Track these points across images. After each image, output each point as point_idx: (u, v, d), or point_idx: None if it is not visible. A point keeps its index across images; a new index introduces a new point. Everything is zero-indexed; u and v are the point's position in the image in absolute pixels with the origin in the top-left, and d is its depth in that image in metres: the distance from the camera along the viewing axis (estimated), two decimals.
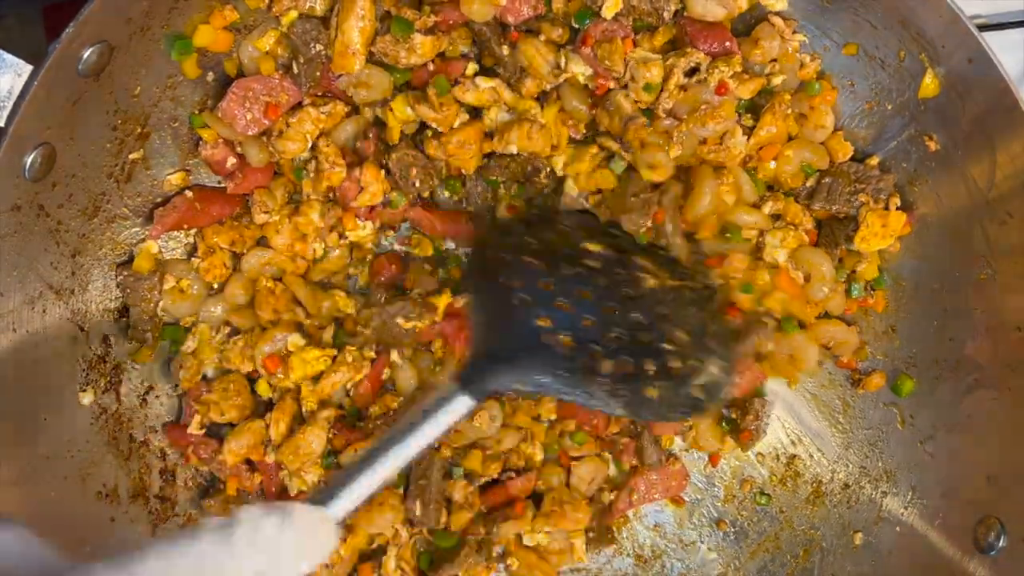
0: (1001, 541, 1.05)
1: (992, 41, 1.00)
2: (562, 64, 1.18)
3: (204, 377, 1.23)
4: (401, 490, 1.25)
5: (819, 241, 1.21)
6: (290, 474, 1.21)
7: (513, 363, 0.99)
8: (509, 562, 1.28)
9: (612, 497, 1.31)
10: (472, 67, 1.19)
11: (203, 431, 1.21)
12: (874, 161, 1.20)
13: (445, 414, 0.91)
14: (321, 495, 0.84)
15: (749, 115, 1.20)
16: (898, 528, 1.21)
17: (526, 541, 1.26)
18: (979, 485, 1.11)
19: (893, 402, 1.23)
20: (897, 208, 1.17)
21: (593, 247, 1.09)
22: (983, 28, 1.19)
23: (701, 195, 1.17)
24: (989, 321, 1.11)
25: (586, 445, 1.28)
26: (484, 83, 1.17)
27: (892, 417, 1.24)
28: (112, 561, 0.73)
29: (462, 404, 0.92)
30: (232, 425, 1.23)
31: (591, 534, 1.30)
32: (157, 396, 1.22)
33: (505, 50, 1.18)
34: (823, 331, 1.23)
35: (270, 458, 1.21)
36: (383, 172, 1.20)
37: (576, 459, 1.29)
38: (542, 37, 1.18)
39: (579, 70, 1.18)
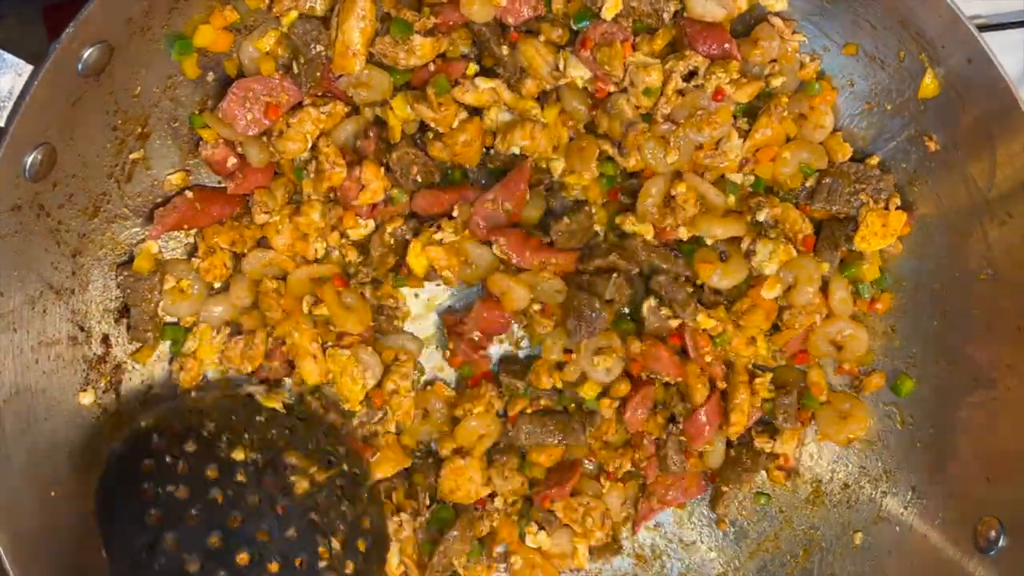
0: (1001, 541, 1.05)
1: (992, 41, 1.00)
2: (561, 66, 1.18)
3: (205, 377, 1.24)
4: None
5: (819, 242, 1.21)
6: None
7: None
8: (512, 560, 1.27)
9: (631, 511, 1.32)
10: (472, 67, 1.19)
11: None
12: (874, 161, 1.20)
13: None
14: None
15: (745, 119, 1.20)
16: (898, 528, 1.21)
17: (528, 542, 1.26)
18: (979, 485, 1.11)
19: (893, 402, 1.23)
20: (897, 208, 1.17)
21: (240, 455, 1.05)
22: (983, 28, 1.19)
23: (646, 195, 1.20)
24: (989, 321, 1.11)
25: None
26: (484, 84, 1.18)
27: (892, 417, 1.24)
28: None
29: None
30: None
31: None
32: (157, 396, 1.22)
33: (505, 51, 1.18)
34: (833, 327, 1.22)
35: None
36: (383, 170, 1.20)
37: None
38: (542, 38, 1.18)
39: (578, 74, 1.18)
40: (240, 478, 1.03)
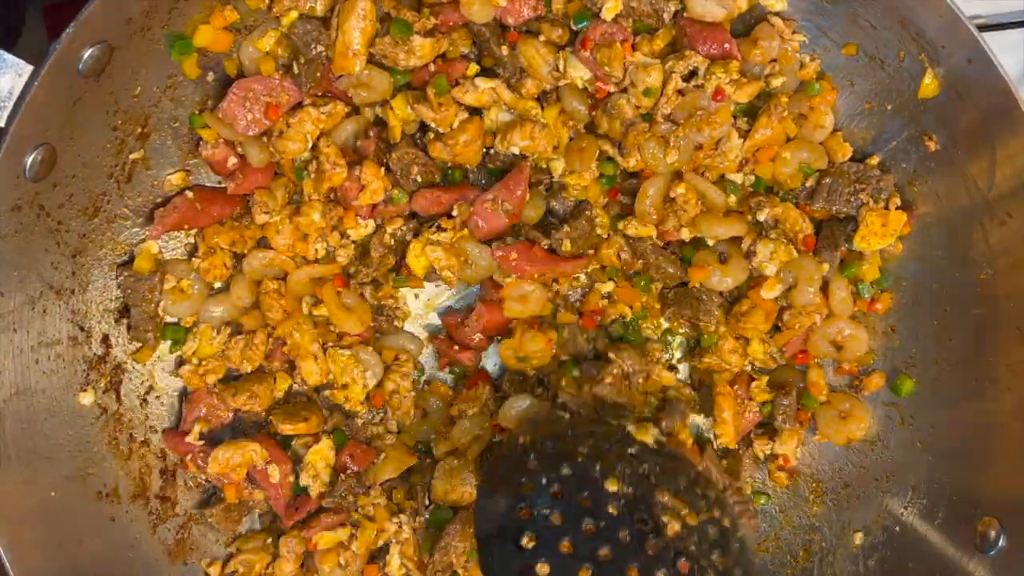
0: (1001, 541, 1.05)
1: (992, 41, 1.00)
2: (561, 67, 1.18)
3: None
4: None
5: (819, 242, 1.21)
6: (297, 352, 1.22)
7: None
8: None
9: None
10: (473, 68, 1.19)
11: (202, 440, 1.20)
12: (874, 161, 1.20)
13: None
14: None
15: (745, 119, 1.20)
16: (898, 528, 1.21)
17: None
18: (979, 485, 1.11)
19: (893, 402, 1.23)
20: (897, 208, 1.18)
21: (613, 486, 1.00)
22: (983, 28, 1.19)
23: (644, 196, 1.20)
24: (989, 321, 1.11)
25: None
26: (484, 84, 1.18)
27: (892, 417, 1.24)
28: None
29: None
30: (232, 433, 1.23)
31: None
32: (157, 396, 1.22)
33: (505, 51, 1.18)
34: (833, 327, 1.23)
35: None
36: (383, 170, 1.20)
37: None
38: (542, 38, 1.18)
39: (578, 74, 1.18)
40: (611, 510, 0.99)
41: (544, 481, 1.00)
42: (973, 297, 1.13)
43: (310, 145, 1.20)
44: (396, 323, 1.28)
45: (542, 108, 1.21)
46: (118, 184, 1.13)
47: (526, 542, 0.96)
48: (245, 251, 1.23)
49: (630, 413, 1.15)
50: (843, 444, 1.26)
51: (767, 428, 1.28)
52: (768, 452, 1.27)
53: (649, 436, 1.08)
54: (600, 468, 1.01)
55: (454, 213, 1.22)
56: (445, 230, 1.22)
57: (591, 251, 1.24)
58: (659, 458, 1.06)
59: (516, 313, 1.23)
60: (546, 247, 1.23)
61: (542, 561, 0.95)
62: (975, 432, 1.13)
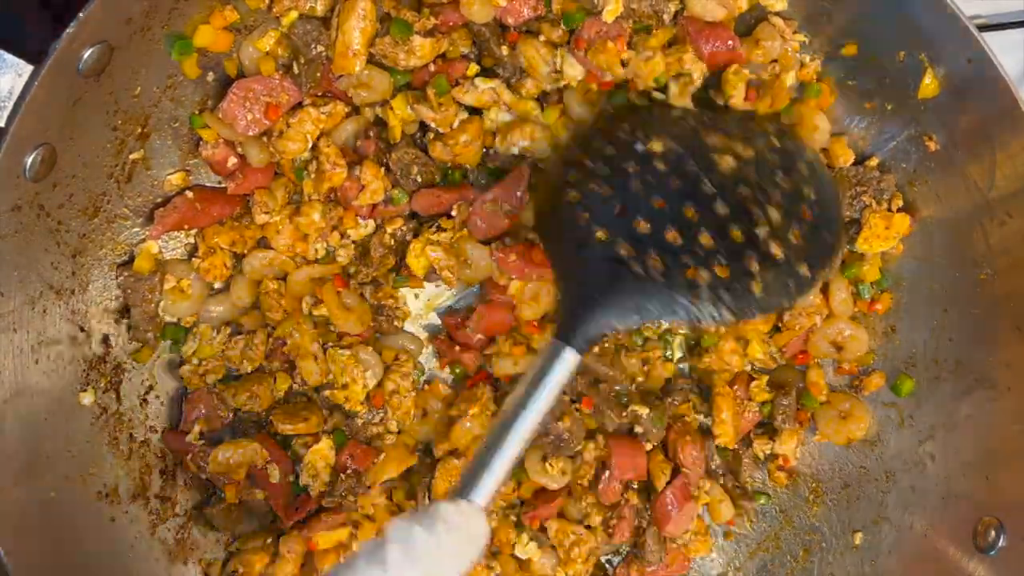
0: (1001, 541, 1.05)
1: (992, 41, 1.00)
2: (558, 64, 1.18)
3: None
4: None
5: None
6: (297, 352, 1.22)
7: (608, 303, 0.94)
8: (493, 564, 1.27)
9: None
10: (473, 68, 1.19)
11: (202, 440, 1.20)
12: (873, 162, 1.20)
13: (555, 374, 0.88)
14: (462, 488, 0.83)
15: None
16: (898, 528, 1.21)
17: (517, 551, 1.25)
18: (979, 485, 1.11)
19: (893, 402, 1.23)
20: (900, 209, 1.18)
21: (656, 146, 1.01)
22: (983, 28, 1.19)
23: None
24: (989, 321, 1.11)
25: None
26: (484, 84, 1.18)
27: (892, 417, 1.24)
28: None
29: (568, 359, 0.90)
30: (232, 434, 1.23)
31: None
32: (157, 396, 1.22)
33: (505, 51, 1.18)
34: (833, 328, 1.22)
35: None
36: (383, 170, 1.20)
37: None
38: (542, 38, 1.18)
39: (573, 73, 1.18)
40: (660, 166, 1.00)
41: (589, 163, 1.02)
42: (973, 297, 1.13)
43: (310, 145, 1.20)
44: (396, 323, 1.28)
45: (542, 109, 1.21)
46: (118, 184, 1.13)
47: (580, 220, 0.98)
48: (245, 251, 1.23)
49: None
50: (843, 444, 1.26)
51: (767, 428, 1.28)
52: (768, 452, 1.27)
53: (687, 99, 1.09)
54: (643, 135, 1.02)
55: (453, 213, 1.22)
56: (445, 230, 1.22)
57: None
58: (706, 114, 1.08)
59: (532, 314, 1.23)
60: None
61: (598, 227, 0.97)
62: (975, 432, 1.13)
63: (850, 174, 1.19)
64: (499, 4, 1.15)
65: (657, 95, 1.12)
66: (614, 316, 0.95)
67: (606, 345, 1.22)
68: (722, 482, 1.29)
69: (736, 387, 1.26)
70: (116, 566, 1.13)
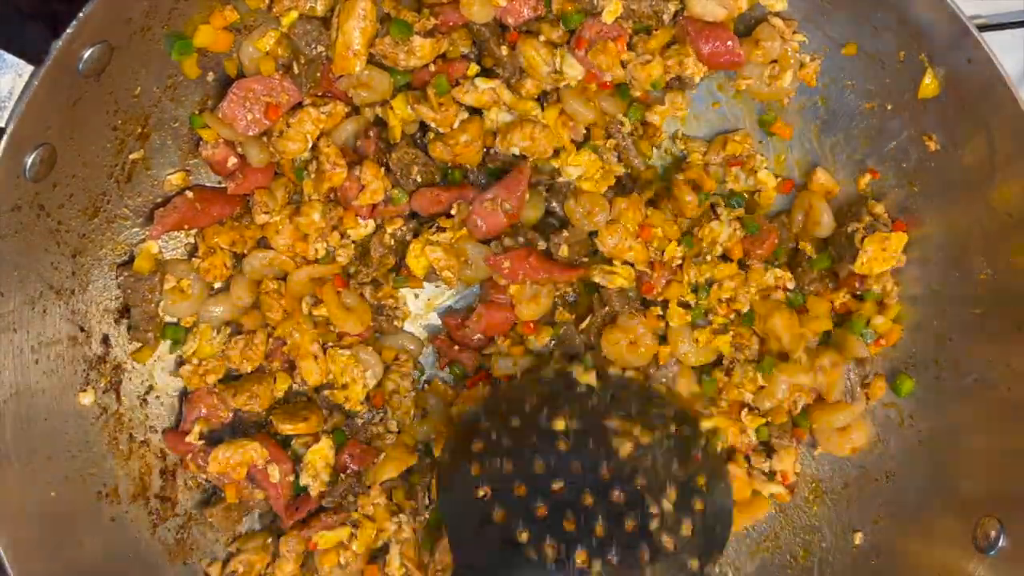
0: (1001, 541, 1.05)
1: (992, 41, 1.00)
2: (557, 64, 1.18)
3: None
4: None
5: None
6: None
7: None
8: None
9: None
10: (474, 68, 1.19)
11: (202, 440, 1.20)
12: (864, 183, 1.21)
13: None
14: None
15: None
16: (898, 528, 1.21)
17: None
18: (979, 485, 1.11)
19: (893, 402, 1.23)
20: (896, 221, 1.18)
21: (559, 425, 1.06)
22: (983, 28, 1.19)
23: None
24: (989, 321, 1.11)
25: None
26: (484, 84, 1.18)
27: (892, 417, 1.24)
28: None
29: None
30: (232, 433, 1.23)
31: None
32: (157, 396, 1.22)
33: (504, 51, 1.18)
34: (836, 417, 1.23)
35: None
36: (383, 170, 1.20)
37: None
38: (542, 38, 1.18)
39: (573, 73, 1.18)
40: (561, 447, 1.04)
41: (494, 437, 1.05)
42: (973, 297, 1.13)
43: (310, 145, 1.19)
44: (396, 323, 1.28)
45: (542, 109, 1.21)
46: (118, 184, 1.13)
47: (480, 494, 1.02)
48: (245, 251, 1.23)
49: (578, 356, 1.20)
50: (846, 455, 1.26)
51: (765, 445, 1.28)
52: (767, 469, 1.27)
53: (591, 377, 1.13)
54: (547, 412, 1.06)
55: (453, 212, 1.22)
56: (445, 230, 1.22)
57: (586, 259, 1.23)
58: (608, 390, 1.12)
59: (531, 315, 1.23)
60: (543, 249, 1.23)
61: (498, 509, 1.01)
62: (975, 432, 1.13)
63: (843, 206, 1.21)
64: (499, 4, 1.15)
65: (572, 368, 1.16)
66: None
67: None
68: None
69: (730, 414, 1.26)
70: (116, 566, 1.13)
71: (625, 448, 1.04)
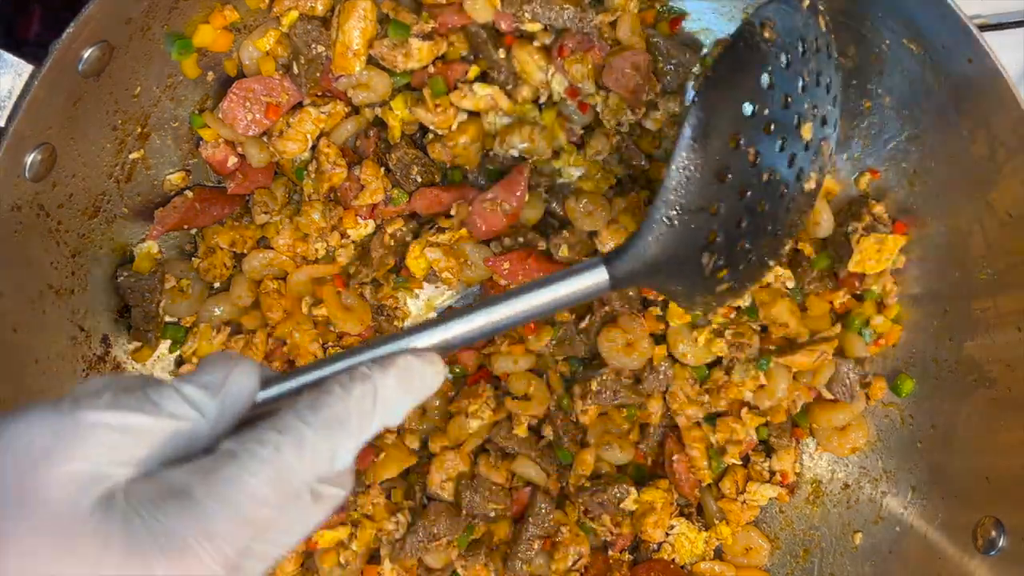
0: (1001, 541, 1.05)
1: (992, 41, 1.00)
2: (549, 75, 1.18)
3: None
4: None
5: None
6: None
7: (663, 275, 0.89)
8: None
9: None
10: (475, 70, 1.19)
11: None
12: (864, 183, 1.21)
13: (580, 279, 0.83)
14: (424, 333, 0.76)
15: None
16: (898, 528, 1.21)
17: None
18: (979, 485, 1.11)
19: (893, 402, 1.23)
20: (894, 221, 1.18)
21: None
22: (983, 28, 1.19)
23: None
24: (989, 321, 1.11)
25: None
26: (482, 90, 1.18)
27: (892, 417, 1.24)
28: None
29: (599, 280, 0.84)
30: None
31: None
32: None
33: (501, 54, 1.18)
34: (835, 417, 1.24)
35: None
36: (383, 170, 1.20)
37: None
38: (536, 43, 1.18)
39: (558, 89, 1.19)
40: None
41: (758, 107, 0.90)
42: (973, 297, 1.13)
43: (310, 145, 1.20)
44: (396, 323, 1.28)
45: (540, 111, 1.22)
46: (118, 184, 1.13)
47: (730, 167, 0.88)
48: (245, 251, 1.23)
49: None
50: (847, 455, 1.26)
51: (764, 445, 1.28)
52: (767, 469, 1.27)
53: None
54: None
55: (452, 213, 1.22)
56: (444, 230, 1.22)
57: (586, 259, 1.23)
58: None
59: None
60: (543, 249, 1.23)
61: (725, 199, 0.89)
62: (975, 432, 1.13)
63: (843, 205, 1.21)
64: (496, 4, 1.15)
65: None
66: (655, 285, 0.92)
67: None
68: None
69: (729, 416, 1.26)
70: None
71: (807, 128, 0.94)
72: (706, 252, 0.91)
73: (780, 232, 0.97)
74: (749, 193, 0.90)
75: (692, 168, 0.87)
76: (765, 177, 0.92)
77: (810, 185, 0.97)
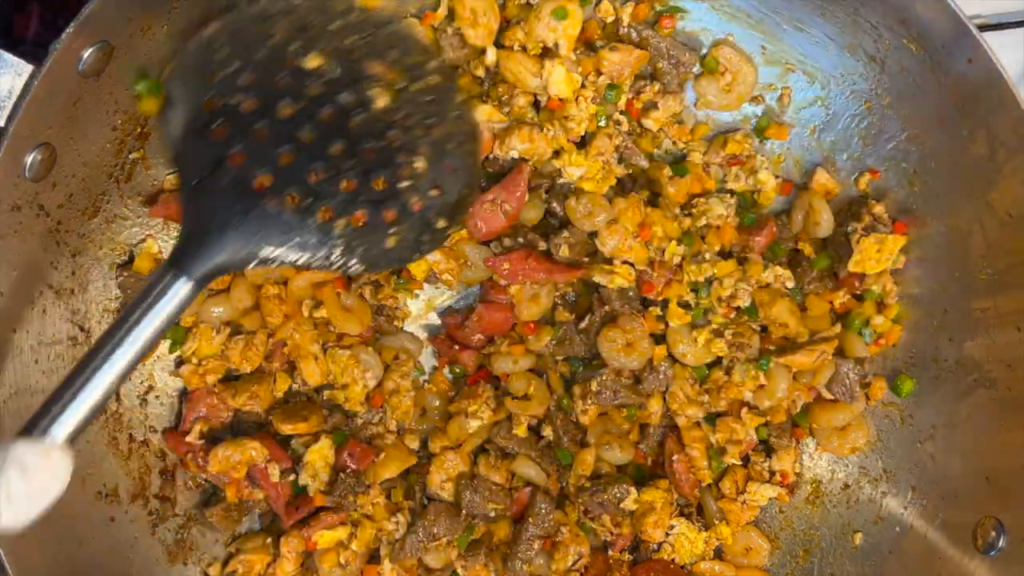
0: (1001, 541, 1.05)
1: (992, 41, 1.00)
2: (545, 77, 1.18)
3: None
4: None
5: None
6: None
7: (233, 235, 0.86)
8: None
9: None
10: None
11: (202, 440, 1.20)
12: (864, 183, 1.21)
13: (162, 304, 0.80)
14: (38, 424, 0.77)
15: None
16: (898, 528, 1.21)
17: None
18: (979, 485, 1.11)
19: (893, 402, 1.23)
20: (894, 221, 1.18)
21: (314, 62, 0.91)
22: (983, 28, 1.19)
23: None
24: (989, 321, 1.11)
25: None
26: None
27: (892, 417, 1.24)
28: None
29: (179, 289, 0.81)
30: (232, 433, 1.23)
31: None
32: (157, 396, 1.22)
33: (481, 72, 1.19)
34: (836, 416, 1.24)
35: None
36: None
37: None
38: (516, 47, 1.19)
39: (555, 91, 1.19)
40: (313, 91, 0.91)
41: (234, 68, 0.90)
42: (973, 297, 1.13)
43: None
44: (396, 323, 1.28)
45: (537, 112, 1.22)
46: (118, 184, 1.13)
47: (214, 134, 0.88)
48: None
49: None
50: (847, 455, 1.26)
51: (764, 445, 1.28)
52: (767, 469, 1.27)
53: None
54: (301, 46, 0.92)
55: None
56: None
57: (586, 259, 1.23)
58: (371, 29, 0.96)
59: (531, 315, 1.23)
60: (543, 249, 1.23)
61: (236, 149, 0.88)
62: (975, 432, 1.13)
63: (843, 205, 1.22)
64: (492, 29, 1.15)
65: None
66: (239, 253, 0.87)
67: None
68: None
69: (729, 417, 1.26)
70: (116, 566, 1.13)
71: (383, 99, 0.93)
72: (270, 198, 0.87)
73: (372, 150, 0.92)
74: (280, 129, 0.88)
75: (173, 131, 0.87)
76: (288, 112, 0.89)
77: (380, 102, 0.92)
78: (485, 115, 1.18)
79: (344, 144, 0.91)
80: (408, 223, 0.93)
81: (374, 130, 0.92)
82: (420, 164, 0.93)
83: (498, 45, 1.19)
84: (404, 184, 0.92)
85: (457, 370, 1.28)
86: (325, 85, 0.91)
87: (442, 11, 1.17)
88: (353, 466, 1.22)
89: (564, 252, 1.21)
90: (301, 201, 0.88)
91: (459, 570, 1.24)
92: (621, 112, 1.23)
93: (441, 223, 0.96)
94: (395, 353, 1.27)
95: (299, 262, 0.89)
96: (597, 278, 1.21)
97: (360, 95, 0.92)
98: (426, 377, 1.31)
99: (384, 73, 0.94)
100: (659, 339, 1.25)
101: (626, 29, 1.20)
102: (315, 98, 0.91)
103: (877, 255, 1.17)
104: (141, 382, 1.21)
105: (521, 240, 1.23)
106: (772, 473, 1.27)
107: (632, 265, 1.21)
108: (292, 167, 0.89)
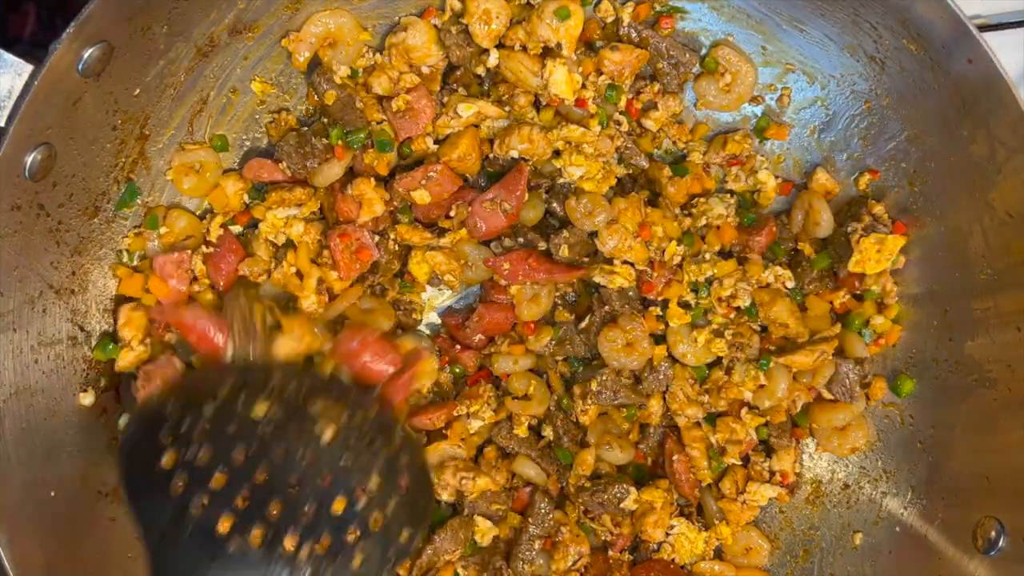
0: (1001, 541, 1.05)
1: (992, 41, 1.00)
2: (545, 76, 1.18)
3: None
4: None
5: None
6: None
7: None
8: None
9: None
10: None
11: None
12: (864, 183, 1.21)
13: None
14: None
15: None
16: (898, 528, 1.21)
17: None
18: (979, 485, 1.11)
19: (893, 402, 1.23)
20: (894, 221, 1.18)
21: (260, 411, 0.99)
22: (983, 28, 1.19)
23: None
24: (989, 321, 1.11)
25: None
26: (466, 111, 1.18)
27: (892, 417, 1.24)
28: None
29: None
30: None
31: None
32: None
33: (481, 70, 1.20)
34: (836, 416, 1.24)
35: None
36: (372, 180, 1.19)
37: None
38: (517, 46, 1.18)
39: (555, 91, 1.19)
40: (263, 433, 0.98)
41: (186, 426, 0.97)
42: (973, 297, 1.13)
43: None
44: (415, 316, 1.28)
45: (537, 111, 1.22)
46: (118, 184, 1.13)
47: (174, 489, 0.94)
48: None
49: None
50: (847, 455, 1.26)
51: (764, 445, 1.28)
52: (767, 469, 1.27)
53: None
54: (245, 397, 0.99)
55: (452, 214, 1.22)
56: (445, 232, 1.22)
57: (586, 259, 1.23)
58: (308, 374, 1.07)
59: (531, 315, 1.23)
60: (543, 249, 1.23)
61: (195, 499, 0.93)
62: (975, 432, 1.13)
63: (843, 205, 1.22)
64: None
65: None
66: None
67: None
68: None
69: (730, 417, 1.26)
70: (116, 566, 1.13)
71: (329, 431, 0.99)
72: (234, 539, 0.92)
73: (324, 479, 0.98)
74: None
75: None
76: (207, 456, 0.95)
77: (327, 435, 0.99)
78: (471, 109, 1.18)
79: (298, 480, 0.97)
80: (371, 540, 0.98)
81: (327, 459, 0.98)
82: (373, 485, 0.99)
83: (498, 45, 1.19)
84: (361, 503, 0.98)
85: (457, 370, 1.28)
86: (274, 427, 0.98)
87: (448, 11, 1.17)
88: None
89: (564, 252, 1.21)
90: (264, 536, 0.94)
91: (459, 570, 1.24)
92: (621, 112, 1.23)
93: (404, 535, 1.00)
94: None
95: None
96: (597, 278, 1.21)
97: (308, 432, 0.99)
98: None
99: (325, 409, 1.01)
100: (659, 339, 1.25)
101: (626, 29, 1.19)
102: (265, 440, 0.97)
103: (877, 255, 1.17)
104: None
105: (521, 240, 1.23)
106: (772, 473, 1.27)
107: (632, 265, 1.21)
108: (251, 507, 0.94)
